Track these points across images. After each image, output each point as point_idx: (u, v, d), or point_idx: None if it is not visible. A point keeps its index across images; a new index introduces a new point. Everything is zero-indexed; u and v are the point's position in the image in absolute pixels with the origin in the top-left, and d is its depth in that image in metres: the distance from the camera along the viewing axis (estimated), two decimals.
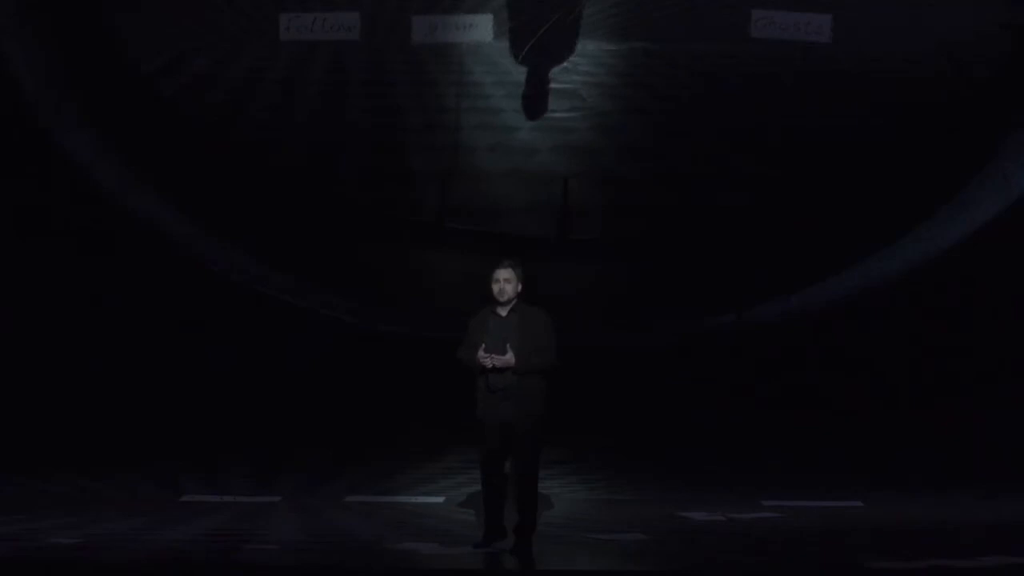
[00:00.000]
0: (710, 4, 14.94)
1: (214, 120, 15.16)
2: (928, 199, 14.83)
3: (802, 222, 14.77)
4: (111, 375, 14.45)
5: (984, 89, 14.90)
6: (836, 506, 12.86)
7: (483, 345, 10.19)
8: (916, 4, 14.85)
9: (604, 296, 14.90)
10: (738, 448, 14.10)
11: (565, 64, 14.97)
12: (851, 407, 14.38)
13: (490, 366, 10.14)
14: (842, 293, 14.81)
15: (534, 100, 14.95)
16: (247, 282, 14.94)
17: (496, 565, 10.02)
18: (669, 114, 15.10)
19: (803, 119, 14.86)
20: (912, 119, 14.82)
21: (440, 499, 13.32)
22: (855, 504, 12.94)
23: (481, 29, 14.93)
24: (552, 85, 14.99)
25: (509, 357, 10.14)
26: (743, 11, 14.82)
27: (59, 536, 10.90)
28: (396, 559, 10.18)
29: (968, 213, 14.79)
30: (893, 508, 12.77)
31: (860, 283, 14.81)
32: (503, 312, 10.34)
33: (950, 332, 14.55)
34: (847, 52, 14.85)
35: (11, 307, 14.62)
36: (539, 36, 14.72)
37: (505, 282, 10.31)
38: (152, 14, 15.09)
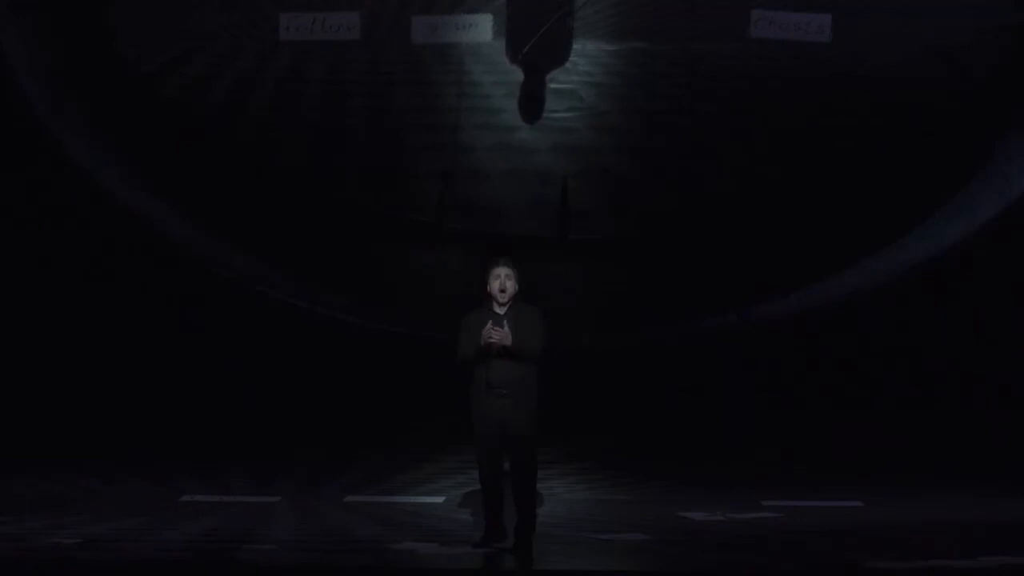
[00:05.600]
0: (710, 4, 14.94)
1: (214, 120, 15.16)
2: (928, 199, 14.83)
3: (801, 222, 14.77)
4: (111, 375, 14.45)
5: (984, 89, 14.90)
6: (836, 506, 12.85)
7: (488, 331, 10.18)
8: (916, 4, 14.85)
9: (603, 296, 14.91)
10: (738, 448, 14.10)
11: (564, 64, 14.98)
12: (851, 407, 14.39)
13: (496, 339, 10.10)
14: (842, 293, 14.81)
15: (530, 104, 14.96)
16: (247, 282, 14.95)
17: (496, 565, 10.02)
18: (669, 114, 15.10)
19: (803, 119, 14.87)
20: (912, 119, 14.82)
21: (440, 499, 13.32)
22: (855, 504, 12.94)
23: (481, 29, 14.94)
24: (551, 85, 15.00)
25: (507, 332, 10.14)
26: (743, 11, 14.83)
27: (59, 536, 10.91)
28: (396, 559, 10.17)
29: (968, 213, 14.80)
30: (893, 508, 12.77)
31: (860, 283, 14.82)
32: (500, 311, 10.32)
33: (950, 332, 14.56)
34: (847, 52, 14.86)
35: (11, 307, 14.62)
36: (535, 40, 14.72)
37: (506, 278, 10.30)
38: (152, 14, 15.10)
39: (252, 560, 10.08)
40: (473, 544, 10.41)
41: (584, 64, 15.05)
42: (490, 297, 10.34)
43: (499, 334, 10.13)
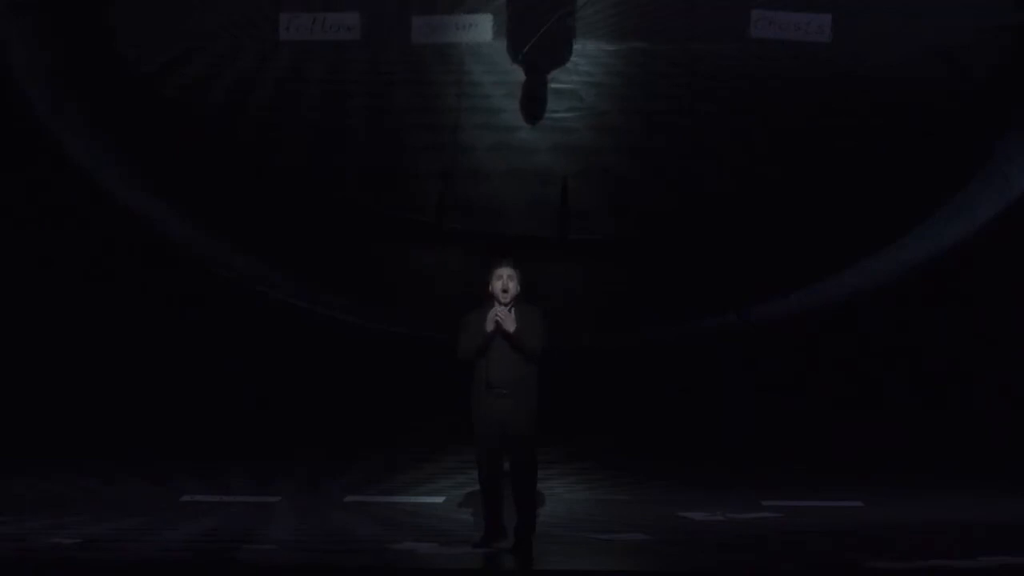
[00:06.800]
0: (710, 4, 14.94)
1: (214, 120, 15.16)
2: (928, 199, 14.83)
3: (801, 222, 14.76)
4: (111, 375, 14.45)
5: (984, 89, 14.90)
6: (836, 506, 12.85)
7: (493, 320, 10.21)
8: (916, 4, 14.85)
9: (603, 296, 14.91)
10: (738, 448, 14.10)
11: (565, 64, 14.99)
12: (851, 407, 14.38)
13: (501, 319, 10.12)
14: (842, 293, 14.81)
15: (532, 104, 14.96)
16: (247, 282, 14.94)
17: (496, 565, 10.02)
18: (669, 114, 15.10)
19: (803, 119, 14.87)
20: (912, 119, 14.82)
21: (440, 499, 13.32)
22: (855, 504, 12.94)
23: (481, 29, 14.94)
24: (551, 85, 15.00)
25: (513, 318, 10.16)
26: (743, 11, 14.83)
27: (59, 536, 10.91)
28: (396, 559, 10.18)
29: (968, 213, 14.80)
30: (893, 508, 12.77)
31: (860, 283, 14.81)
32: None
33: (950, 332, 14.56)
34: (847, 52, 14.85)
35: (11, 308, 14.61)
36: (535, 40, 14.72)
37: (508, 278, 10.32)
38: (152, 14, 15.10)
39: (252, 560, 10.08)
40: (473, 544, 10.42)
41: (584, 64, 15.05)
42: (491, 297, 10.35)
43: (505, 315, 10.16)
